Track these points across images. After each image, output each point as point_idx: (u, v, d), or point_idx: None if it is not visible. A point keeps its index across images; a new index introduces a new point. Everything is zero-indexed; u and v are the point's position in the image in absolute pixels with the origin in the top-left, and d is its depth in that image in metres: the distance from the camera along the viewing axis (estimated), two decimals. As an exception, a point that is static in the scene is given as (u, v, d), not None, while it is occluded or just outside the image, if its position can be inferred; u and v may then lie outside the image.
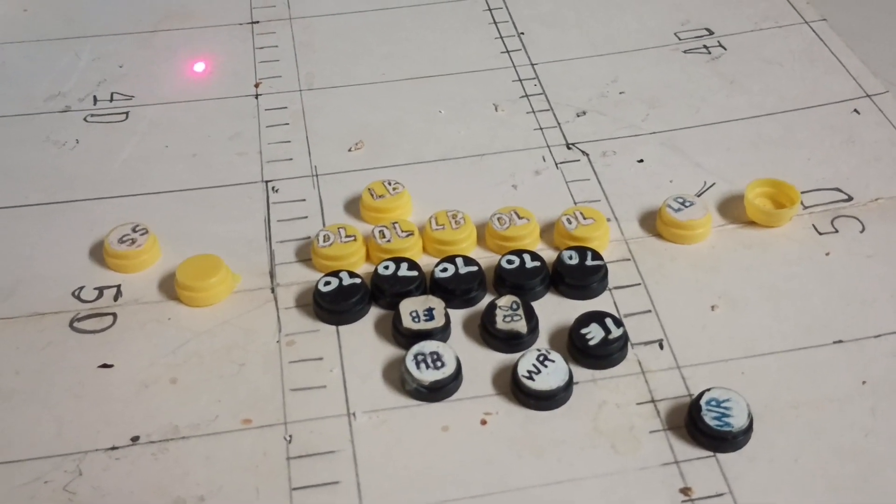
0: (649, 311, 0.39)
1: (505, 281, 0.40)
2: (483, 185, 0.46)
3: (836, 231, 0.43)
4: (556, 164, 0.47)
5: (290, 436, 0.35)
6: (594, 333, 0.37)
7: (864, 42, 0.53)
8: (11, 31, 0.57)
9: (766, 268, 0.41)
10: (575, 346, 0.37)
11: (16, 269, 0.42)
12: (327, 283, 0.39)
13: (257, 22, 0.57)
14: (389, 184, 0.44)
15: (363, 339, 0.39)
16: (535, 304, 0.39)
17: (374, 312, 0.40)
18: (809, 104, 0.49)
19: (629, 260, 0.42)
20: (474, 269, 0.40)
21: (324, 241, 0.41)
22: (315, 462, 0.34)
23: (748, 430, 0.34)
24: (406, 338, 0.38)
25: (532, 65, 0.53)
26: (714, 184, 0.45)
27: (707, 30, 0.55)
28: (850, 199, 0.44)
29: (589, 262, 0.40)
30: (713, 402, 0.35)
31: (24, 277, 0.41)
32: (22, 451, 0.35)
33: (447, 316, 0.38)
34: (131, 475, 0.34)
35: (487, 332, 0.38)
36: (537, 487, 0.34)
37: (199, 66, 0.53)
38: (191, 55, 0.55)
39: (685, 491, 0.33)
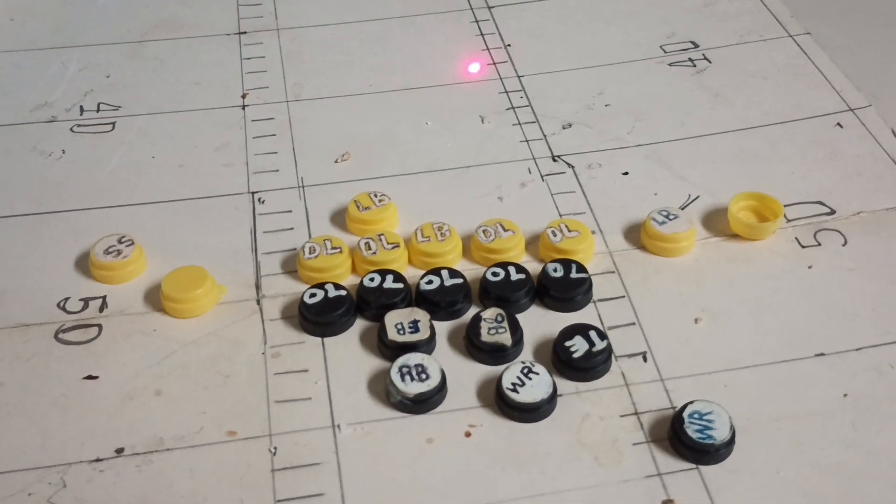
0: (633, 323, 0.40)
1: (490, 293, 0.40)
2: (469, 197, 0.46)
3: (819, 244, 0.43)
4: (542, 177, 0.47)
5: (275, 448, 0.35)
6: (578, 346, 0.38)
7: (848, 56, 0.54)
8: (-2, 41, 0.57)
9: (749, 281, 0.41)
10: (559, 359, 0.38)
11: (1, 280, 0.42)
12: (313, 295, 0.40)
13: (245, 32, 0.57)
14: (375, 196, 0.44)
15: (348, 351, 0.39)
16: (520, 317, 0.39)
17: (360, 324, 0.40)
18: (793, 118, 0.50)
19: (613, 272, 0.42)
20: (459, 281, 0.40)
21: (310, 252, 0.41)
22: (299, 474, 0.35)
23: (730, 442, 0.35)
24: (391, 350, 0.38)
25: (518, 77, 0.53)
26: (698, 197, 0.45)
27: (692, 42, 0.56)
28: (832, 212, 0.44)
29: (573, 275, 0.40)
30: (696, 415, 0.35)
31: (8, 288, 0.41)
32: (5, 463, 0.35)
33: (432, 328, 0.39)
34: (116, 487, 0.34)
35: (472, 345, 0.38)
36: (521, 499, 0.34)
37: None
38: (178, 65, 0.55)
39: (668, 503, 0.34)
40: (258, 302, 0.41)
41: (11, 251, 0.43)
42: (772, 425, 0.36)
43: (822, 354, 0.38)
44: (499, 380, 0.37)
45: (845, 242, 0.43)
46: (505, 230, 0.42)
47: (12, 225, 0.44)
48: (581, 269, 0.41)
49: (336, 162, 0.48)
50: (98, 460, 0.35)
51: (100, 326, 0.40)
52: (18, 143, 0.49)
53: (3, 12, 0.59)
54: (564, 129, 0.50)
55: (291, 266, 0.42)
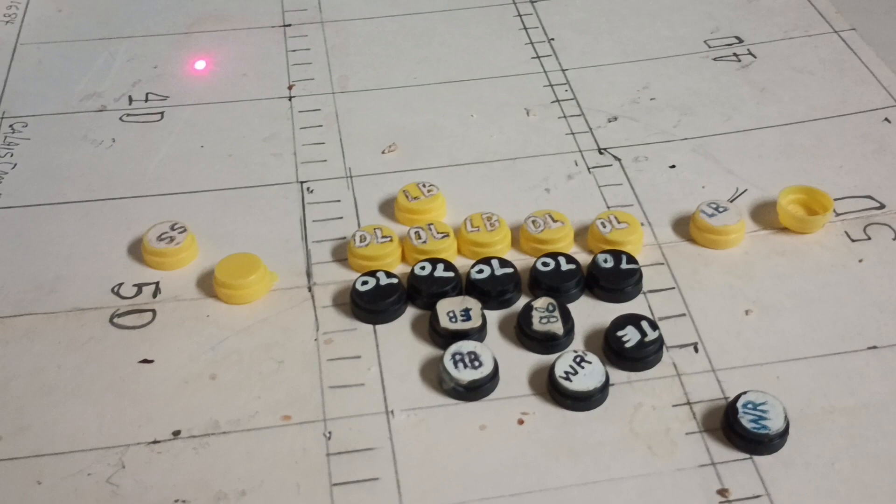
0: (684, 314, 0.40)
1: (540, 283, 0.40)
2: (516, 189, 0.46)
3: (869, 238, 0.43)
4: (589, 169, 0.47)
5: (330, 432, 0.36)
6: (630, 336, 0.38)
7: (895, 51, 0.53)
8: (47, 32, 0.57)
9: (799, 274, 0.41)
10: (611, 348, 0.38)
11: (56, 265, 0.42)
12: (365, 283, 0.40)
13: (290, 25, 0.58)
14: (424, 186, 0.45)
15: (400, 338, 0.39)
16: (570, 307, 0.39)
17: (411, 312, 0.40)
18: (840, 112, 0.50)
19: (663, 264, 0.42)
20: (510, 270, 0.41)
21: (360, 241, 0.42)
22: (354, 459, 0.35)
23: (785, 433, 0.35)
24: (443, 337, 0.38)
25: (563, 70, 0.54)
26: (746, 190, 0.45)
27: (737, 38, 0.55)
28: (882, 206, 0.44)
29: (624, 266, 0.40)
30: (750, 405, 0.35)
31: (64, 273, 0.42)
32: (65, 444, 0.35)
33: (484, 317, 0.39)
34: (173, 469, 0.34)
35: (524, 334, 0.38)
36: (574, 487, 0.34)
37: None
38: (224, 57, 0.55)
39: (722, 492, 0.34)
40: (310, 289, 0.41)
41: (65, 237, 0.44)
42: (826, 417, 0.36)
43: (875, 347, 0.38)
44: (551, 368, 0.37)
45: (896, 237, 0.43)
46: (554, 221, 0.43)
47: (65, 212, 0.45)
48: (631, 259, 0.41)
49: (383, 153, 0.48)
50: (155, 442, 0.35)
51: (154, 312, 0.40)
52: (69, 131, 0.50)
53: (51, 4, 0.60)
54: (610, 122, 0.50)
55: (341, 254, 0.43)
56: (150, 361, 0.38)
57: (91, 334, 0.39)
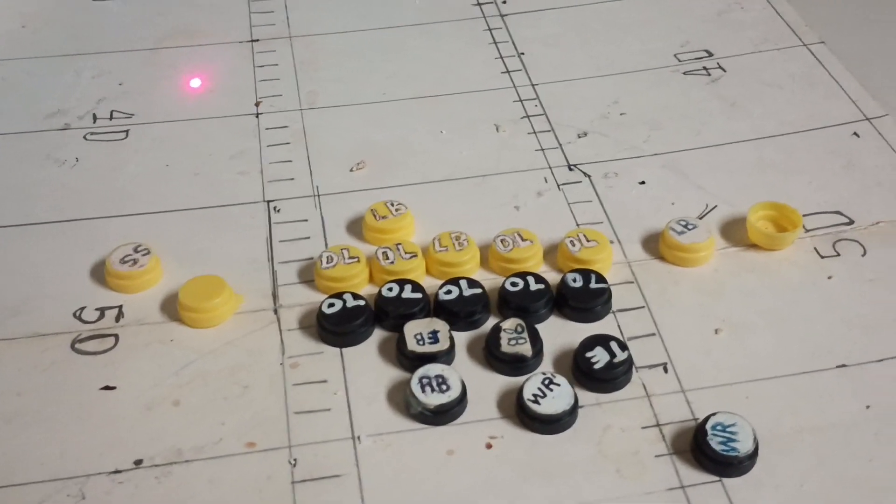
0: (653, 334, 0.40)
1: (509, 303, 0.40)
2: (485, 207, 0.46)
3: (838, 255, 0.43)
4: (559, 186, 0.47)
5: (295, 459, 0.35)
6: (599, 357, 0.37)
7: (864, 65, 0.54)
8: (11, 48, 0.56)
9: (768, 291, 0.41)
10: (580, 370, 0.37)
11: (17, 289, 0.41)
12: (331, 305, 0.39)
13: (257, 40, 0.57)
14: (392, 204, 0.44)
15: (367, 361, 0.39)
16: (539, 327, 0.39)
17: (378, 334, 0.40)
18: (809, 127, 0.50)
19: (632, 283, 0.42)
20: (478, 291, 0.40)
21: (327, 262, 0.41)
22: (320, 486, 0.34)
23: (754, 455, 0.34)
24: (411, 360, 0.38)
25: (533, 85, 0.53)
26: (716, 206, 0.45)
27: (707, 51, 0.55)
28: (851, 222, 0.44)
29: (593, 285, 0.40)
30: (719, 427, 0.35)
31: (25, 297, 0.41)
32: (24, 475, 0.35)
33: (452, 339, 0.38)
34: (134, 499, 0.34)
35: (492, 356, 0.38)
36: (543, 512, 0.34)
37: (196, 82, 0.53)
38: (191, 73, 0.54)
39: (692, 516, 0.33)
40: (276, 312, 0.41)
41: (26, 260, 0.43)
42: (795, 437, 0.36)
43: (844, 366, 0.38)
44: (520, 391, 0.36)
45: (865, 253, 0.43)
46: (523, 240, 0.42)
47: (27, 233, 0.44)
48: (600, 279, 0.40)
49: (351, 170, 0.48)
50: (117, 472, 0.35)
51: (116, 336, 0.40)
52: (32, 150, 0.49)
53: (16, 20, 0.59)
54: (580, 137, 0.50)
55: (308, 275, 0.42)
56: (113, 388, 0.38)
57: (53, 360, 0.39)
